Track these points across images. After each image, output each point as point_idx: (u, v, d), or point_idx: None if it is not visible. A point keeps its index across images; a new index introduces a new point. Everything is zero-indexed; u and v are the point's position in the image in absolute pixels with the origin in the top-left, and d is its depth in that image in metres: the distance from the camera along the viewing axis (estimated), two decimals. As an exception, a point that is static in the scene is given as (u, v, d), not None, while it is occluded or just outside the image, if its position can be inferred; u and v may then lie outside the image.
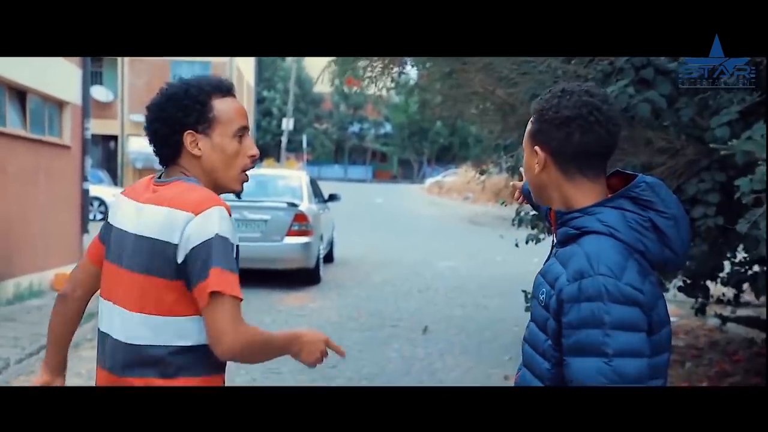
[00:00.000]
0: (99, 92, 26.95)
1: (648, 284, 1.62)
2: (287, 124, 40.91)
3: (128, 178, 27.99)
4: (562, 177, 1.72)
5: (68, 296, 2.30)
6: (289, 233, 10.57)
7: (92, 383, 6.02)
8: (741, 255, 6.11)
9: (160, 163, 2.09)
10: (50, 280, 9.92)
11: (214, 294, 1.91)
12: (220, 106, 2.04)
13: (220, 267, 1.94)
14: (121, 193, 2.17)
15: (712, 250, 4.53)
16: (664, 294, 6.30)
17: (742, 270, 6.21)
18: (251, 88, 37.59)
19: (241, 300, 2.00)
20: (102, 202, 21.20)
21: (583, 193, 1.71)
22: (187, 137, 2.01)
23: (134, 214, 2.02)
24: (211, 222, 1.93)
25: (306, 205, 11.02)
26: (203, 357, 1.99)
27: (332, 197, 12.94)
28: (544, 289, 1.71)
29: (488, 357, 6.99)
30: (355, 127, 54.42)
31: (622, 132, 4.34)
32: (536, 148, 1.74)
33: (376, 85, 6.32)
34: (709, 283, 6.40)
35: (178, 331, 1.97)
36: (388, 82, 6.23)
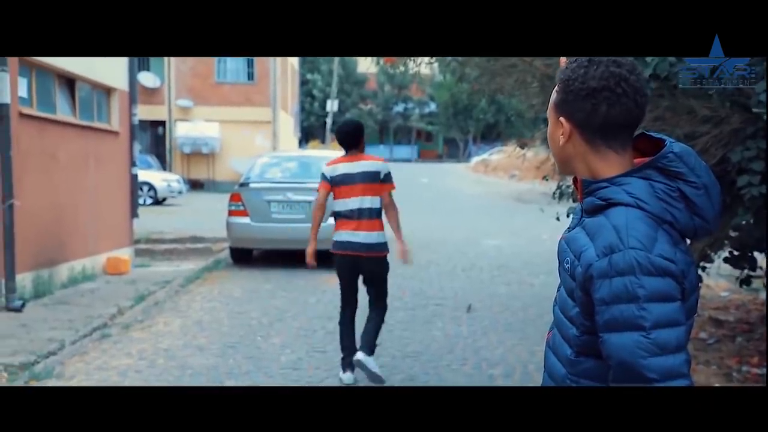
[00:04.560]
0: (146, 78, 27.33)
1: (679, 253, 1.59)
2: (332, 105, 40.99)
3: (176, 163, 28.40)
4: (588, 148, 1.69)
5: (320, 203, 5.75)
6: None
7: (142, 363, 6.16)
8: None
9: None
10: (102, 264, 10.17)
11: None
12: None
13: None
14: (329, 164, 5.73)
15: (757, 220, 4.41)
16: (710, 265, 6.15)
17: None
18: (295, 70, 37.75)
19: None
20: (151, 187, 21.58)
21: (610, 165, 1.68)
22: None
23: (351, 166, 5.54)
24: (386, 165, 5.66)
25: (350, 186, 11.04)
26: None
27: (376, 177, 12.95)
28: (568, 258, 1.69)
29: (533, 334, 6.95)
30: (400, 107, 54.30)
31: (664, 102, 4.29)
32: (561, 119, 1.71)
33: (414, 62, 6.29)
34: (757, 255, 6.25)
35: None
36: (426, 57, 6.19)
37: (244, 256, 11.41)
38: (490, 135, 50.94)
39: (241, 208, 10.85)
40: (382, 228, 5.59)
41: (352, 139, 5.62)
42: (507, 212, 20.51)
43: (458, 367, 6.04)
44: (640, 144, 1.73)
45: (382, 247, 5.57)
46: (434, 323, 7.53)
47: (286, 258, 11.25)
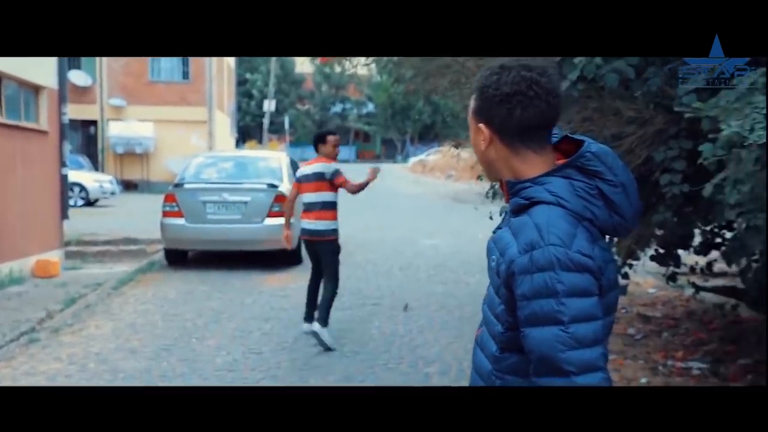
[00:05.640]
0: (77, 77, 26.65)
1: (597, 249, 1.65)
2: (269, 105, 40.71)
3: (109, 163, 27.75)
4: (509, 151, 1.75)
5: (289, 199, 7.06)
6: (270, 214, 10.57)
7: (72, 368, 6.01)
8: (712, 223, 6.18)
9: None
10: (31, 267, 9.88)
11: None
12: None
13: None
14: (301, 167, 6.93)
15: (680, 218, 4.57)
16: (636, 263, 6.34)
17: (713, 238, 6.27)
18: (232, 69, 37.31)
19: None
20: (83, 188, 21.04)
21: (531, 165, 1.73)
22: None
23: (309, 168, 6.78)
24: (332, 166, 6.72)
25: (286, 186, 10.99)
26: None
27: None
28: (494, 256, 1.74)
29: (468, 332, 7.03)
30: (338, 107, 54.29)
31: (592, 103, 4.40)
32: (480, 125, 1.76)
33: (350, 62, 6.30)
34: (683, 252, 6.47)
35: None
36: (362, 58, 6.21)
37: (179, 258, 11.24)
38: (428, 135, 51.37)
39: (176, 209, 10.68)
40: (331, 218, 6.71)
41: (314, 145, 6.97)
42: (444, 212, 20.69)
43: (395, 366, 6.08)
44: (563, 146, 1.79)
45: (330, 233, 6.70)
46: (371, 322, 7.56)
47: (223, 259, 11.13)
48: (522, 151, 1.73)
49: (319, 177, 6.70)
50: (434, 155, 38.84)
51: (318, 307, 6.65)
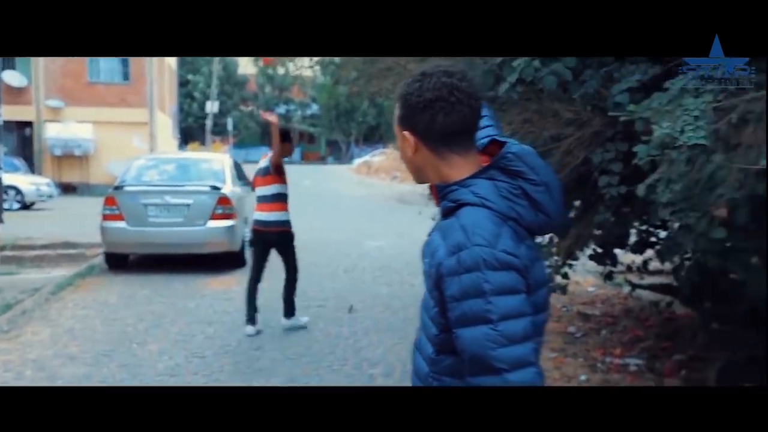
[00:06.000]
0: (11, 77, 25.95)
1: (523, 248, 1.68)
2: (212, 106, 40.23)
3: (46, 166, 27.08)
4: (434, 156, 1.77)
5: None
6: (213, 217, 10.46)
7: (8, 375, 5.84)
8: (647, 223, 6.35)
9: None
10: (-37, 272, 9.58)
11: None
12: None
13: None
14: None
15: (617, 218, 4.68)
16: (575, 263, 6.46)
17: (648, 237, 6.44)
18: (173, 70, 36.78)
19: None
20: (18, 191, 20.48)
21: (457, 169, 1.76)
22: None
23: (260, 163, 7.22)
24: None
25: (229, 188, 10.90)
26: None
27: (257, 180, 12.80)
28: (426, 259, 1.77)
29: (413, 334, 6.95)
30: (282, 109, 53.94)
31: (532, 105, 4.48)
32: (406, 132, 1.79)
33: (294, 63, 6.27)
34: (620, 251, 6.62)
35: None
36: (306, 59, 6.19)
37: (119, 262, 11.01)
38: (373, 137, 51.45)
39: (116, 212, 10.48)
40: (281, 209, 7.04)
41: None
42: (389, 213, 20.76)
43: (339, 368, 6.08)
44: (491, 149, 1.83)
45: (281, 224, 7.05)
46: (316, 324, 7.54)
47: (164, 263, 10.96)
48: (447, 155, 1.76)
49: (264, 172, 7.15)
50: (379, 156, 38.92)
51: (283, 301, 7.19)
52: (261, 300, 7.21)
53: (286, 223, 7.10)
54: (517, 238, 1.68)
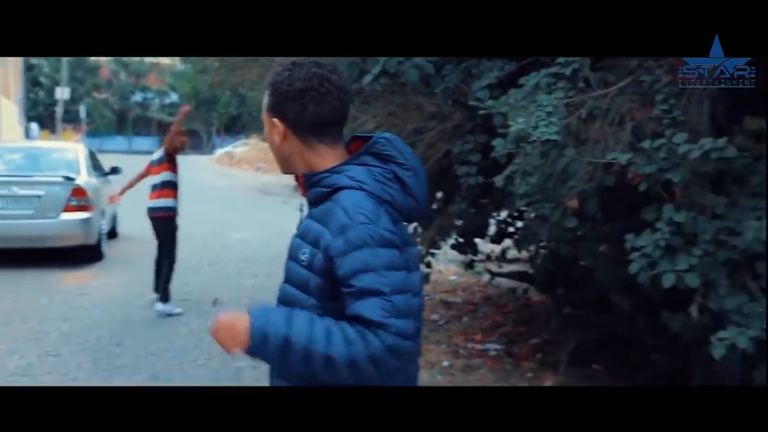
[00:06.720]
0: None
1: (398, 229, 1.76)
2: (62, 93, 38.19)
3: None
4: (303, 145, 1.82)
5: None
6: (67, 209, 9.96)
7: None
8: (505, 213, 6.64)
9: None
10: None
11: None
12: None
13: None
14: None
15: (476, 208, 4.88)
16: (438, 252, 6.64)
17: (506, 227, 6.74)
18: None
19: None
20: None
21: (325, 159, 1.81)
22: None
23: (155, 153, 7.69)
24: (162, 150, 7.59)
25: (84, 179, 10.42)
26: None
27: (114, 170, 12.28)
28: (305, 250, 1.78)
29: (279, 323, 7.05)
30: (138, 97, 51.99)
31: (396, 98, 4.58)
32: (275, 120, 1.82)
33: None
34: (480, 241, 6.90)
35: None
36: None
37: (-38, 258, 10.30)
38: (235, 127, 50.54)
39: (-42, 204, 9.78)
40: (168, 196, 7.51)
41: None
42: (253, 204, 20.51)
43: (204, 362, 5.98)
44: (353, 146, 1.88)
45: (166, 209, 7.53)
46: (179, 319, 7.37)
47: (13, 257, 10.34)
48: (316, 145, 1.81)
49: (155, 162, 7.75)
50: (242, 147, 38.31)
51: (158, 288, 7.59)
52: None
53: (171, 209, 7.54)
54: (392, 219, 1.74)
